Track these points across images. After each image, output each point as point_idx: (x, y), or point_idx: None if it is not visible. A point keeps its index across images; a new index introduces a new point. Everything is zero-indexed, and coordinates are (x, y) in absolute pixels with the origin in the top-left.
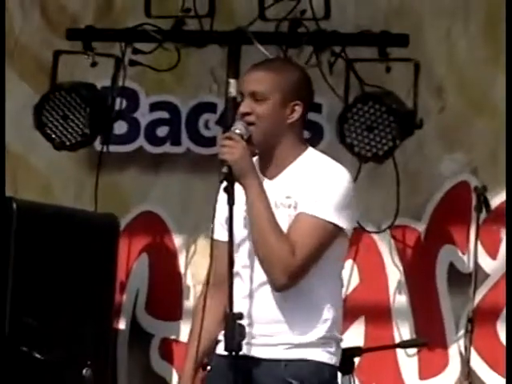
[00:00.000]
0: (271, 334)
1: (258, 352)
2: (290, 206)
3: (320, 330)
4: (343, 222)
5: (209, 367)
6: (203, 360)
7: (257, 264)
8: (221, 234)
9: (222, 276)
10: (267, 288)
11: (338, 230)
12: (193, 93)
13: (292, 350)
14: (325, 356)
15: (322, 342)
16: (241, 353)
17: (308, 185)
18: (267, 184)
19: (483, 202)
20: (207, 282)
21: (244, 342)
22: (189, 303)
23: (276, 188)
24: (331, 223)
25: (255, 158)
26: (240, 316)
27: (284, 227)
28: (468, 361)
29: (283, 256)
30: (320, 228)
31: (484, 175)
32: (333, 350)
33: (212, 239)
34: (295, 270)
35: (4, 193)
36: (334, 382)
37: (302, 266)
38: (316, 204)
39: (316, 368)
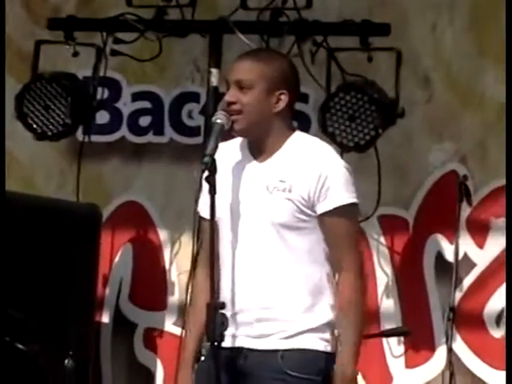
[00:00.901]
0: (260, 322)
1: (250, 343)
2: (284, 190)
3: (314, 317)
4: (356, 197)
5: (202, 357)
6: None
7: (239, 251)
8: (206, 212)
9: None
10: (251, 275)
11: (355, 206)
12: (175, 82)
13: (288, 340)
14: (321, 344)
15: (317, 330)
16: (234, 344)
17: (302, 170)
18: (257, 166)
19: (464, 192)
20: (196, 264)
21: (234, 332)
22: (173, 297)
23: (266, 171)
24: (352, 204)
25: (242, 140)
26: (222, 305)
27: (280, 210)
28: (450, 349)
29: (360, 297)
30: (346, 218)
31: (472, 165)
32: (328, 336)
33: (198, 218)
34: (360, 269)
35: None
36: (331, 369)
37: (359, 259)
38: (327, 197)
39: (313, 357)
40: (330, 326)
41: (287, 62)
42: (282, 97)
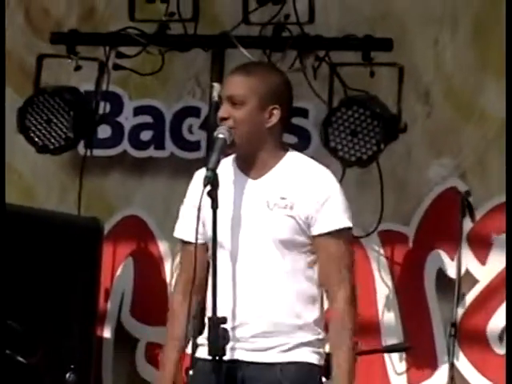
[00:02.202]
0: (259, 336)
1: (250, 356)
2: (286, 207)
3: (310, 332)
4: (350, 221)
5: (191, 372)
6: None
7: (239, 266)
8: (191, 235)
9: (202, 280)
10: (250, 290)
11: (351, 230)
12: (176, 97)
13: (286, 353)
14: (315, 357)
15: (312, 344)
16: (233, 357)
17: (304, 189)
18: (253, 183)
19: (467, 207)
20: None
21: (233, 345)
22: None
23: (265, 188)
24: (348, 228)
25: (232, 156)
26: (224, 320)
27: (280, 226)
28: (452, 365)
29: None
30: (343, 241)
31: (472, 180)
32: (321, 350)
33: (183, 242)
34: (353, 298)
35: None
36: (321, 383)
37: (353, 289)
38: (326, 218)
39: (308, 370)
40: (323, 341)
41: (279, 76)
42: (275, 111)
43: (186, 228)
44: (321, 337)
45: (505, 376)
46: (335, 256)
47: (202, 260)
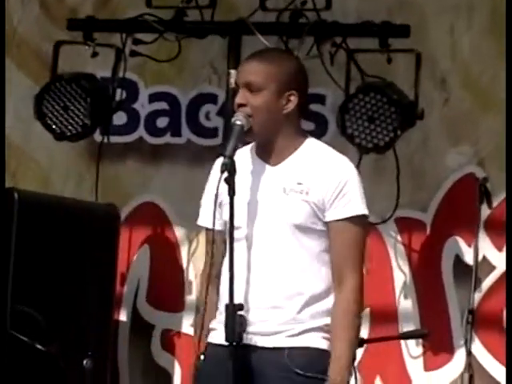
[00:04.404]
0: (269, 320)
1: (258, 341)
2: (302, 192)
3: (320, 317)
4: (366, 209)
5: (202, 356)
6: None
7: (254, 251)
8: (215, 222)
9: (220, 266)
10: (263, 275)
11: (366, 218)
12: (193, 84)
13: (294, 337)
14: (325, 343)
15: (322, 329)
16: (245, 342)
17: (320, 175)
18: (272, 170)
19: (484, 193)
20: (209, 273)
21: (246, 330)
22: (191, 297)
23: (282, 174)
24: (364, 215)
25: (252, 144)
26: (240, 307)
27: (296, 211)
28: (469, 352)
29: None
30: (358, 228)
31: (490, 167)
32: (330, 336)
33: (207, 229)
34: (361, 287)
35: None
36: None
37: (361, 278)
38: (343, 204)
39: (318, 355)
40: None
41: (296, 61)
42: (292, 98)
43: (207, 215)
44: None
45: None
46: (348, 243)
47: (222, 246)
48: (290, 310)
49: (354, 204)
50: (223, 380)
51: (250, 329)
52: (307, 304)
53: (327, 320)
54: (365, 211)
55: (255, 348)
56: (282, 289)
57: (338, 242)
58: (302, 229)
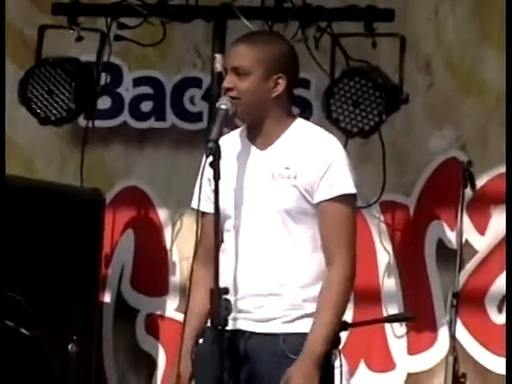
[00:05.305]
0: (265, 307)
1: (253, 326)
2: (289, 177)
3: (314, 302)
4: (355, 188)
5: (201, 340)
6: (200, 334)
7: (243, 238)
8: (206, 206)
9: (211, 250)
10: (255, 262)
11: (355, 197)
12: (177, 68)
13: (289, 323)
14: None
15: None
16: (236, 327)
17: (307, 157)
18: (260, 154)
19: (468, 178)
20: (195, 256)
21: (236, 315)
22: (175, 279)
23: (270, 159)
24: (351, 194)
25: (240, 130)
26: (226, 291)
27: (284, 196)
28: (453, 335)
29: (348, 284)
30: (346, 207)
31: (473, 151)
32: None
33: (198, 211)
34: (352, 265)
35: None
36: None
37: (353, 256)
38: (329, 184)
39: None
40: None
41: (284, 44)
42: (280, 81)
43: (200, 198)
44: None
45: (504, 345)
46: (337, 221)
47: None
48: (285, 297)
49: (341, 183)
50: (215, 363)
51: (242, 315)
52: (302, 290)
53: None
54: (352, 190)
55: (249, 333)
56: (275, 276)
57: (328, 222)
58: (292, 214)
